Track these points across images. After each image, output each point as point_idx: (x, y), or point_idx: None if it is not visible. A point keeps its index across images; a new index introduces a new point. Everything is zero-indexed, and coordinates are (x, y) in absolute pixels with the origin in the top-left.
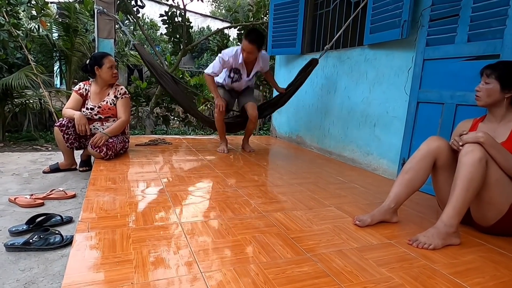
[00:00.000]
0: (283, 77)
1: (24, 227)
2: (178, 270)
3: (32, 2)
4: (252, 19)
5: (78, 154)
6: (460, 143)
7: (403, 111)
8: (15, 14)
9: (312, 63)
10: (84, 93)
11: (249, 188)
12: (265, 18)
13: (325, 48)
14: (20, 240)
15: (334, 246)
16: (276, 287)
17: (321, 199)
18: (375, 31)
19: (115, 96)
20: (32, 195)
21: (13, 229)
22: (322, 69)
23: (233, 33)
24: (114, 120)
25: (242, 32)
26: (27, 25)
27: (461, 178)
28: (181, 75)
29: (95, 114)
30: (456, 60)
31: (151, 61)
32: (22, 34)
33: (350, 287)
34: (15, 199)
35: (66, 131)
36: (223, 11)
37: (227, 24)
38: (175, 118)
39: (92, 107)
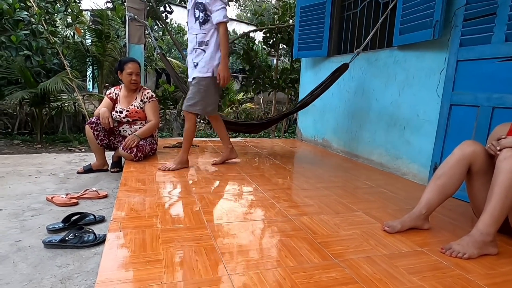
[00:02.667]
0: (309, 79)
1: (61, 225)
2: (205, 271)
3: (68, 11)
4: (277, 22)
5: (109, 156)
6: (498, 148)
7: (434, 114)
8: (52, 22)
9: (342, 68)
10: (114, 97)
11: (275, 191)
12: (290, 21)
13: (356, 51)
14: (57, 237)
15: (362, 252)
16: None
17: (348, 203)
18: (405, 32)
19: (141, 100)
20: (67, 194)
21: (51, 226)
22: (349, 71)
23: (258, 36)
24: (141, 123)
25: (268, 35)
26: (63, 32)
27: (499, 185)
28: None
29: (124, 117)
30: (493, 60)
31: (170, 71)
32: (58, 41)
33: None
34: (52, 198)
35: (95, 128)
36: (249, 15)
37: (253, 28)
38: (201, 121)
39: (121, 110)
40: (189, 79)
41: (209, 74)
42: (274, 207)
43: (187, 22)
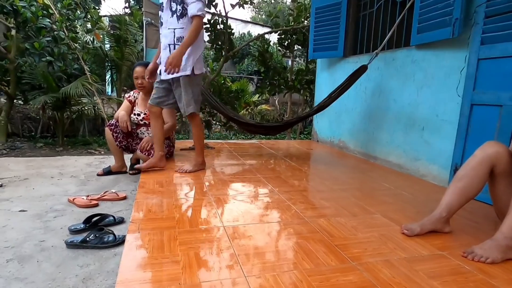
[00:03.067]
0: (325, 80)
1: (82, 226)
2: (222, 273)
3: (88, 17)
4: (292, 23)
5: (128, 158)
6: None
7: (455, 114)
8: (73, 29)
9: (360, 70)
10: (133, 100)
11: (291, 193)
12: (306, 22)
13: (374, 52)
14: (78, 238)
15: (380, 256)
16: None
17: (366, 206)
18: (423, 31)
19: None
20: (88, 196)
21: (72, 227)
22: (366, 72)
23: (273, 38)
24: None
25: (283, 36)
26: (83, 38)
27: None
28: (222, 81)
29: (141, 120)
30: None
31: None
32: (79, 47)
33: None
34: (73, 199)
35: (114, 130)
36: (264, 17)
37: (268, 29)
38: (217, 123)
39: (139, 113)
40: (163, 77)
41: (189, 72)
42: (290, 209)
43: (160, 16)
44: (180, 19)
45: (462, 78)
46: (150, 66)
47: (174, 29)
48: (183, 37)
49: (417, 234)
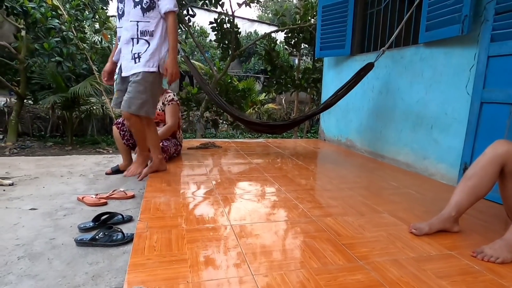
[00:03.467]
0: (332, 79)
1: (91, 224)
2: (229, 271)
3: (96, 17)
4: (299, 21)
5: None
6: None
7: (464, 112)
8: (81, 29)
9: (367, 68)
10: None
11: (298, 191)
12: (312, 20)
13: (381, 50)
14: (88, 236)
15: (388, 255)
16: None
17: (373, 205)
18: (432, 28)
19: (162, 103)
20: (97, 194)
21: (82, 225)
22: (374, 70)
23: (280, 36)
24: (163, 125)
25: (290, 35)
26: (91, 38)
27: None
28: (229, 80)
29: None
30: None
31: (193, 73)
32: (87, 47)
33: None
34: (82, 198)
35: (122, 128)
36: (270, 15)
37: (274, 28)
38: (224, 122)
39: None
40: (124, 73)
41: (155, 69)
42: (297, 208)
43: (119, 8)
44: (147, 12)
45: (472, 76)
46: (107, 66)
47: (138, 21)
48: (148, 31)
49: (426, 233)
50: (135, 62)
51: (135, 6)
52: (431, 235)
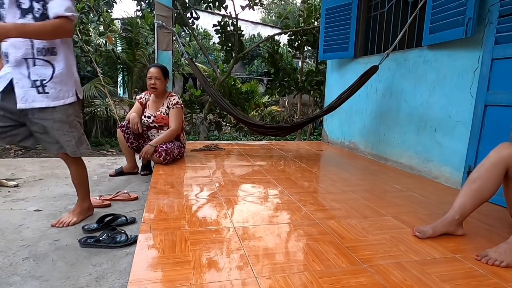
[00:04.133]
0: (335, 81)
1: (95, 226)
2: (233, 273)
3: (100, 20)
4: (302, 24)
5: (139, 159)
6: None
7: (468, 115)
8: (86, 32)
9: (371, 71)
10: (144, 102)
11: (301, 194)
12: (316, 23)
13: (385, 53)
14: (92, 237)
15: (392, 258)
16: None
17: (376, 207)
18: (435, 31)
19: (167, 106)
20: (101, 196)
21: (86, 227)
22: (377, 73)
23: (283, 39)
24: (167, 129)
25: (293, 37)
26: (96, 40)
27: None
28: (232, 82)
29: (151, 123)
30: None
31: (197, 75)
32: (92, 49)
33: None
34: None
35: (126, 131)
36: (274, 18)
37: (278, 31)
38: (227, 124)
39: (149, 115)
40: (22, 105)
41: (73, 99)
42: (300, 211)
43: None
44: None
45: (476, 79)
46: None
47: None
48: (47, 48)
49: (429, 236)
50: (39, 92)
51: (23, 15)
52: (435, 238)
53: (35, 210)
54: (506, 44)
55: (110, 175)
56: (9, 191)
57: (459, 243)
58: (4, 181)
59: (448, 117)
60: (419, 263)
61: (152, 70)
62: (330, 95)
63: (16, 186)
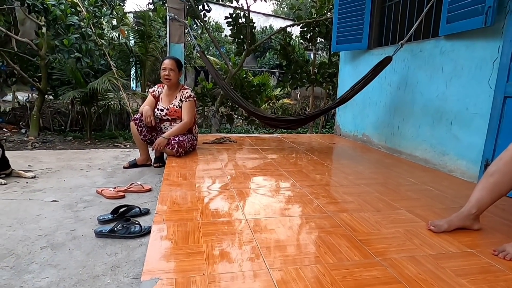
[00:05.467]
0: (348, 73)
1: (110, 216)
2: (245, 265)
3: (113, 14)
4: (315, 15)
5: (152, 152)
6: None
7: (486, 107)
8: (99, 25)
9: (385, 62)
10: (157, 95)
11: (313, 187)
12: (328, 14)
13: (400, 43)
14: (107, 227)
15: (406, 252)
16: None
17: (390, 201)
18: (453, 20)
19: (180, 100)
20: (115, 187)
21: (101, 217)
22: (391, 64)
23: (296, 31)
24: (180, 121)
25: (305, 29)
26: (109, 34)
27: None
28: (244, 75)
29: (164, 115)
30: None
31: (209, 68)
32: (105, 43)
33: None
34: (101, 191)
35: (139, 124)
36: (286, 10)
37: (290, 22)
38: (239, 117)
39: (162, 108)
40: None
41: None
42: (312, 203)
43: None
44: None
45: (495, 69)
46: None
47: None
48: None
49: (444, 230)
50: None
51: None
52: (450, 233)
53: (52, 201)
54: None
55: (124, 167)
56: (27, 182)
57: (475, 237)
58: (22, 172)
59: (465, 110)
60: (434, 257)
61: (167, 62)
62: (343, 88)
63: (34, 177)
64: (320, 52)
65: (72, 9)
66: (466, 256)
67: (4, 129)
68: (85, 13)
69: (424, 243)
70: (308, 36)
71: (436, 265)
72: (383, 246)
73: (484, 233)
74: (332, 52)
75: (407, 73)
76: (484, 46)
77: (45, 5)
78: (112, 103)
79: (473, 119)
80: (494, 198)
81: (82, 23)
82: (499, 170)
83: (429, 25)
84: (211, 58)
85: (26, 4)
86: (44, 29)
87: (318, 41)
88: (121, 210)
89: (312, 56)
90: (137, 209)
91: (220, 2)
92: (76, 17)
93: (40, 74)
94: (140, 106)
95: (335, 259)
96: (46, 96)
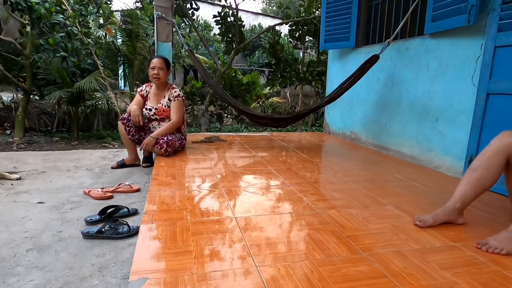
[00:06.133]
0: (337, 72)
1: (97, 217)
2: (234, 263)
3: (100, 12)
4: (303, 14)
5: (141, 151)
6: None
7: (470, 104)
8: (86, 24)
9: (372, 60)
10: (145, 94)
11: (302, 184)
12: (317, 12)
13: (386, 42)
14: (94, 228)
15: (392, 247)
16: (331, 285)
17: (377, 197)
18: (438, 19)
19: (168, 99)
20: (103, 188)
21: (88, 218)
22: (379, 62)
23: (284, 29)
24: (168, 121)
25: (294, 28)
26: (96, 33)
27: None
28: (233, 74)
29: (152, 115)
30: None
31: (198, 66)
32: (92, 42)
33: None
34: (88, 191)
35: (127, 124)
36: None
37: (278, 21)
38: (228, 116)
39: (150, 108)
40: None
41: None
42: (301, 201)
43: None
44: None
45: (478, 67)
46: None
47: None
48: None
49: (430, 225)
50: None
51: None
52: (435, 227)
53: (38, 203)
54: (509, 32)
55: (112, 167)
56: (12, 184)
57: (460, 231)
58: (7, 174)
59: (450, 106)
60: (419, 252)
61: (155, 61)
62: (332, 86)
63: (19, 179)
64: (309, 50)
65: (57, 8)
66: (451, 249)
67: None
68: (70, 11)
69: (410, 238)
70: (296, 35)
71: (421, 259)
72: (370, 241)
73: (468, 227)
74: (320, 51)
75: (394, 71)
76: (468, 44)
77: (29, 3)
78: (100, 103)
79: (458, 116)
80: (478, 193)
81: (67, 22)
82: (482, 165)
83: (415, 24)
84: (200, 57)
85: (9, 2)
86: (28, 28)
87: (306, 39)
88: (109, 210)
89: (301, 54)
90: (125, 210)
91: (209, 1)
92: (62, 16)
93: (25, 74)
94: (128, 105)
95: (323, 256)
96: (31, 96)
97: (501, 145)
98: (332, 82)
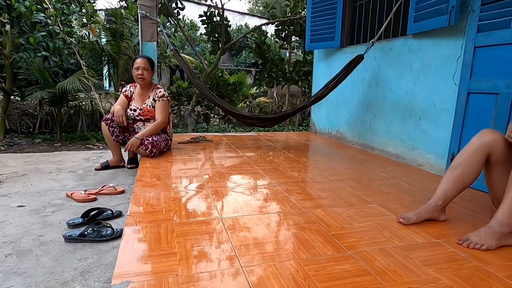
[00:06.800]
0: (322, 72)
1: (80, 220)
2: (219, 264)
3: (83, 11)
4: (289, 14)
5: (126, 153)
6: None
7: (451, 103)
8: (68, 23)
9: (357, 60)
10: (129, 95)
11: (288, 184)
12: (303, 12)
13: (370, 42)
14: (77, 232)
15: (376, 244)
16: (316, 284)
17: (362, 196)
18: (420, 20)
19: (153, 99)
20: (86, 190)
21: (70, 221)
22: (363, 62)
23: (270, 29)
24: (153, 121)
25: (280, 28)
26: (79, 32)
27: None
28: (220, 74)
29: (137, 116)
30: None
31: (183, 67)
32: (74, 41)
33: (393, 287)
34: (71, 194)
35: (110, 125)
36: (261, 8)
37: (265, 21)
38: (215, 116)
39: (135, 108)
40: None
41: None
42: (287, 200)
43: None
44: None
45: (459, 67)
46: None
47: None
48: None
49: (413, 222)
50: None
51: None
52: (418, 224)
53: (18, 206)
54: (488, 32)
55: (96, 169)
56: None
57: (442, 228)
58: None
59: (432, 105)
60: (403, 249)
61: (139, 61)
62: (318, 85)
63: None
64: (295, 50)
65: (38, 6)
66: (433, 246)
67: None
68: (52, 10)
69: (394, 235)
70: (283, 35)
71: (405, 256)
72: (355, 240)
73: (450, 224)
74: (306, 50)
75: (378, 70)
76: (449, 44)
77: (8, 1)
78: (84, 103)
79: (440, 115)
80: (459, 190)
81: (49, 21)
82: (463, 163)
83: (398, 24)
84: (186, 57)
85: None
86: (8, 27)
87: (293, 39)
88: (92, 213)
89: (287, 54)
90: (109, 212)
91: (195, 0)
92: (43, 14)
93: (4, 74)
94: (112, 106)
95: (308, 255)
96: (12, 97)
97: (481, 143)
98: (318, 82)
